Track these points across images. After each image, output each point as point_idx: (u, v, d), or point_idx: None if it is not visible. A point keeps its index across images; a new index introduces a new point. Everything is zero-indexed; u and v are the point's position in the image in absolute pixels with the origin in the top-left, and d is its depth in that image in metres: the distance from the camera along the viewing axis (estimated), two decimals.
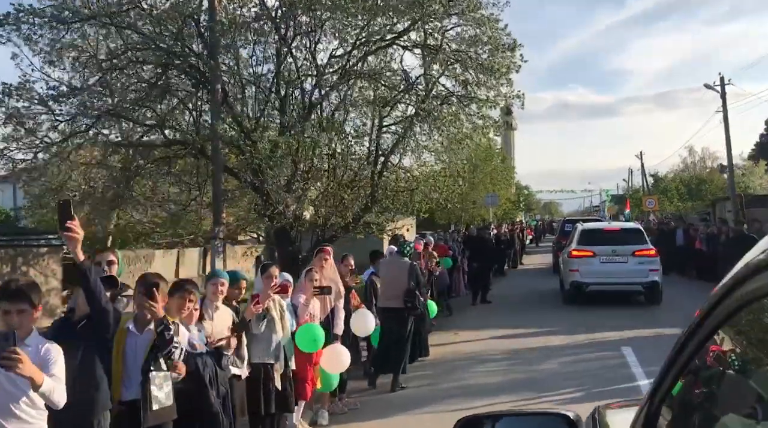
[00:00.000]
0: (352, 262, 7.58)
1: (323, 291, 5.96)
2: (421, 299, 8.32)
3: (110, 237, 18.62)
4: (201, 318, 4.61)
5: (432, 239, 13.55)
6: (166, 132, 12.82)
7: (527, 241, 38.15)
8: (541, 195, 78.30)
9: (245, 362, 5.04)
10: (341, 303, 6.62)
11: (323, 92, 12.74)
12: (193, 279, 5.57)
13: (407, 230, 15.31)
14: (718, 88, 28.72)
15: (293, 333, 5.57)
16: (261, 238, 13.61)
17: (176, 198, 14.11)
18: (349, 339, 7.18)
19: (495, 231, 23.58)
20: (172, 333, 3.74)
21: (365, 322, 7.21)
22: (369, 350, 8.72)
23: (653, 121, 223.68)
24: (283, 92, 12.80)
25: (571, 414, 2.10)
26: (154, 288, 3.86)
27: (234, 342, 4.70)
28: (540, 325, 12.09)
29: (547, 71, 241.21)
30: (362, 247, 12.14)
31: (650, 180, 55.38)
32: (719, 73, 28.90)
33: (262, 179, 11.37)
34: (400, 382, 8.02)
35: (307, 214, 13.25)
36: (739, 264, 1.29)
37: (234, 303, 5.28)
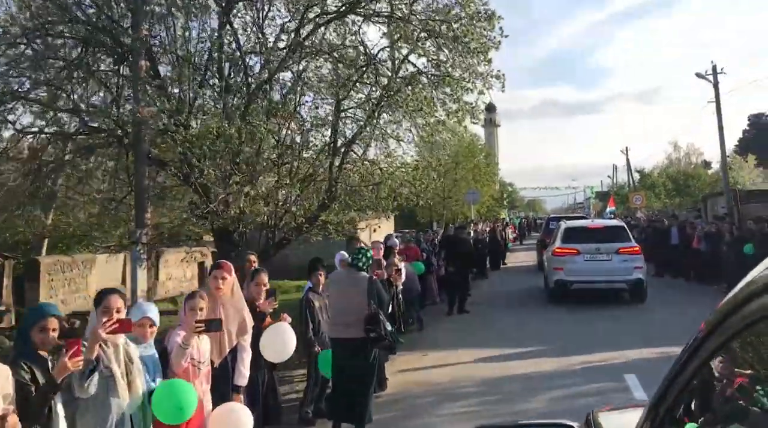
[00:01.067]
0: (266, 280, 5.59)
1: (210, 326, 4.10)
2: (388, 325, 6.23)
3: (45, 241, 16.69)
4: None
5: (396, 241, 11.66)
6: (87, 118, 10.86)
7: (511, 239, 36.20)
8: (525, 192, 76.78)
9: None
10: (248, 339, 4.74)
11: (272, 71, 10.85)
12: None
13: (374, 230, 13.44)
14: (710, 78, 27.15)
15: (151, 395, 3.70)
16: (192, 241, 11.67)
17: (107, 195, 12.14)
18: None
19: (474, 230, 21.75)
20: None
21: (280, 342, 5.23)
22: (310, 382, 6.88)
23: (637, 118, 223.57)
24: (226, 72, 10.98)
25: (575, 425, 2.20)
26: None
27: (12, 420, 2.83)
28: (525, 342, 10.30)
29: (532, 69, 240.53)
30: (327, 252, 10.35)
31: (636, 176, 53.82)
32: (711, 62, 27.34)
33: (189, 172, 9.49)
34: None
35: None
36: (747, 279, 1.30)
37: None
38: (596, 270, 14.12)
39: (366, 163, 11.92)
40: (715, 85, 27.01)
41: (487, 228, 25.85)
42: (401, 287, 10.33)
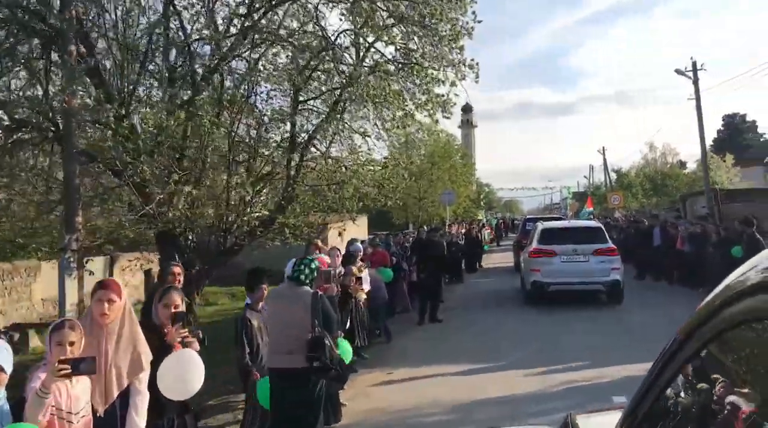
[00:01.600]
0: (178, 301, 4.43)
1: (79, 367, 3.05)
2: (335, 351, 5.16)
3: None
4: None
5: (360, 246, 10.66)
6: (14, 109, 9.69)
7: (487, 240, 35.32)
8: (502, 192, 76.25)
9: None
10: (144, 379, 3.65)
11: (221, 58, 9.79)
12: None
13: (339, 234, 12.41)
14: (690, 74, 26.54)
15: None
16: (144, 246, 10.58)
17: (42, 198, 10.95)
18: None
19: (449, 231, 20.80)
20: None
21: (180, 375, 3.96)
22: (247, 416, 5.85)
23: (613, 119, 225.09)
24: (171, 59, 9.95)
25: None
26: None
27: None
28: (501, 355, 9.36)
29: (508, 70, 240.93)
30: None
31: (613, 175, 53.27)
32: (691, 58, 26.71)
33: (122, 169, 8.41)
34: None
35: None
36: (723, 284, 1.34)
37: None
38: (573, 271, 13.98)
39: (329, 160, 10.93)
40: (695, 82, 26.41)
41: (463, 230, 24.78)
42: (364, 297, 9.35)
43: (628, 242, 20.44)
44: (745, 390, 1.29)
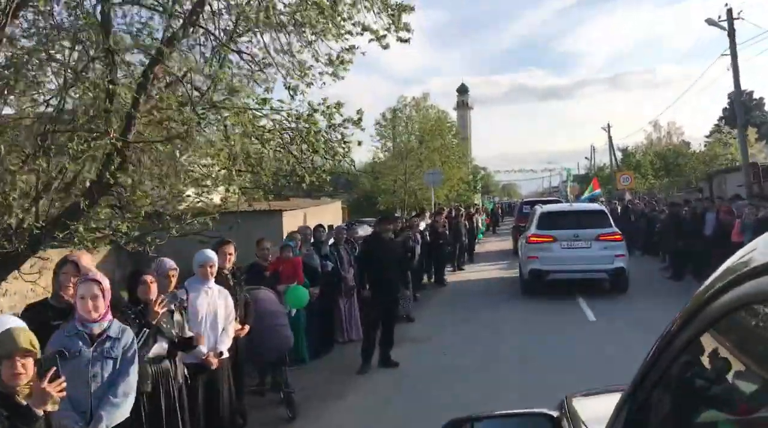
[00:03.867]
0: None
1: None
2: None
3: None
4: None
5: (169, 263, 5.44)
6: None
7: (480, 229, 29.88)
8: (500, 175, 71.52)
9: None
10: None
11: None
12: None
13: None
14: (724, 24, 21.78)
15: None
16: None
17: None
18: None
19: (434, 220, 16.04)
20: None
21: None
22: None
23: (611, 102, 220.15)
24: None
25: (554, 413, 2.15)
26: None
27: None
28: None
29: (503, 54, 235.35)
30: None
31: (619, 155, 48.02)
32: (726, 5, 21.89)
33: None
34: None
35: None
36: (723, 267, 1.34)
37: None
38: (574, 258, 13.03)
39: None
40: (730, 33, 21.66)
41: (447, 218, 17.89)
42: (225, 354, 4.78)
43: (664, 231, 15.87)
44: (748, 373, 1.26)
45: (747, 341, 1.26)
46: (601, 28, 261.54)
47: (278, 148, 6.67)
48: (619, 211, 23.47)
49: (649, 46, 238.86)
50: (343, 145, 6.95)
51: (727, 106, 66.15)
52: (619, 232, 13.43)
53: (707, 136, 58.98)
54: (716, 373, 1.39)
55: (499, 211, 50.88)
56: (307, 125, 6.57)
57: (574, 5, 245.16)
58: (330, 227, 11.29)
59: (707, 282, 1.35)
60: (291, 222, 17.40)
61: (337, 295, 9.10)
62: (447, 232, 16.17)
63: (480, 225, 29.38)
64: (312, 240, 9.37)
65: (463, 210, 23.13)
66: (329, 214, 25.59)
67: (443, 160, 35.78)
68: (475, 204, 39.70)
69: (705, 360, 1.41)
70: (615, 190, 40.95)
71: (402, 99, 34.41)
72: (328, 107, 6.63)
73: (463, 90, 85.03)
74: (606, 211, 14.65)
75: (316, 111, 6.56)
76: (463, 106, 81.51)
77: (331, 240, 9.68)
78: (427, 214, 17.24)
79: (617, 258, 12.89)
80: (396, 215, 18.92)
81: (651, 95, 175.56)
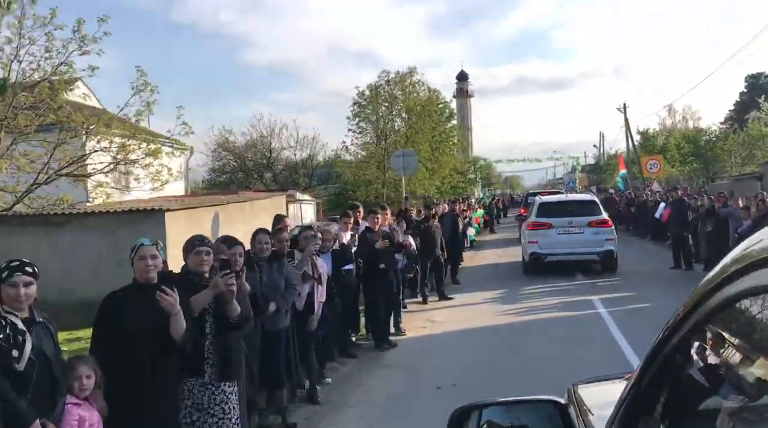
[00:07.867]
0: None
1: None
2: None
3: None
4: None
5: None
6: None
7: (472, 230, 23.19)
8: (502, 166, 66.73)
9: None
10: None
11: None
12: None
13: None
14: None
15: None
16: None
17: None
18: None
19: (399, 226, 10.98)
20: None
21: None
22: None
23: (614, 92, 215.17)
24: None
25: (561, 400, 2.16)
26: None
27: None
28: None
29: (504, 46, 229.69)
30: None
31: (637, 139, 43.01)
32: None
33: None
34: None
35: None
36: (725, 261, 1.33)
37: None
38: (569, 242, 14.73)
39: None
40: None
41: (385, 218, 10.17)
42: None
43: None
44: (753, 361, 1.25)
45: (752, 328, 1.26)
46: (608, 17, 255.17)
47: None
48: (669, 211, 16.73)
49: (660, 35, 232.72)
50: None
51: (745, 90, 61.82)
52: (608, 219, 15.27)
53: (722, 123, 54.74)
54: (719, 362, 1.40)
55: (501, 204, 43.71)
56: None
57: None
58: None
59: (711, 273, 1.36)
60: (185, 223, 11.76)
61: None
62: (402, 243, 10.09)
63: (470, 226, 22.05)
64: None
65: (445, 206, 16.07)
66: (264, 210, 15.77)
67: (434, 147, 31.25)
68: (466, 197, 30.43)
69: (708, 349, 1.43)
70: (634, 177, 36.31)
71: (384, 74, 29.05)
72: None
73: (462, 77, 79.35)
74: (597, 200, 16.70)
75: None
76: (462, 94, 76.13)
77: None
78: (361, 213, 10.31)
79: (607, 242, 14.70)
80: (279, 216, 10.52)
81: (660, 85, 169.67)
